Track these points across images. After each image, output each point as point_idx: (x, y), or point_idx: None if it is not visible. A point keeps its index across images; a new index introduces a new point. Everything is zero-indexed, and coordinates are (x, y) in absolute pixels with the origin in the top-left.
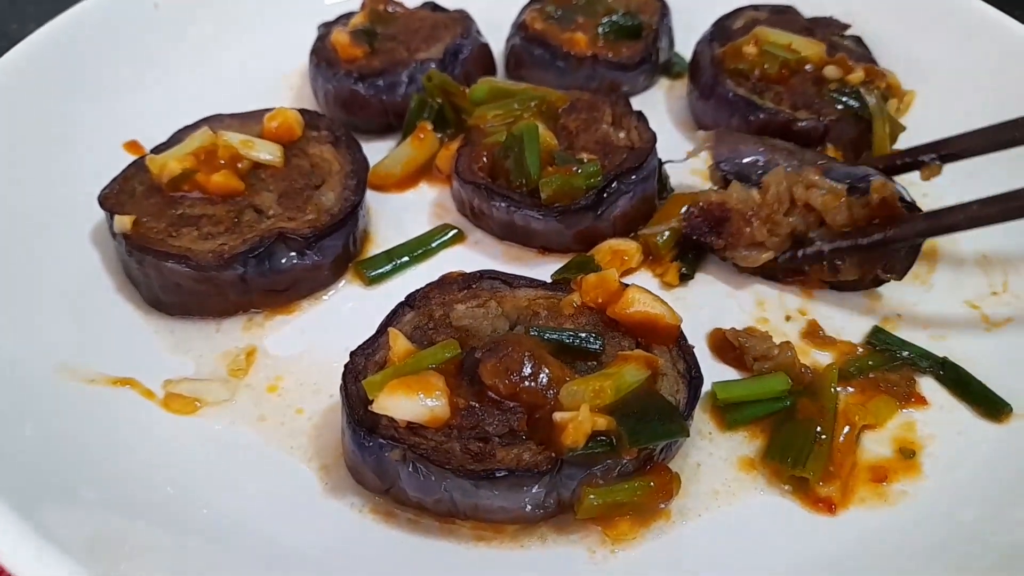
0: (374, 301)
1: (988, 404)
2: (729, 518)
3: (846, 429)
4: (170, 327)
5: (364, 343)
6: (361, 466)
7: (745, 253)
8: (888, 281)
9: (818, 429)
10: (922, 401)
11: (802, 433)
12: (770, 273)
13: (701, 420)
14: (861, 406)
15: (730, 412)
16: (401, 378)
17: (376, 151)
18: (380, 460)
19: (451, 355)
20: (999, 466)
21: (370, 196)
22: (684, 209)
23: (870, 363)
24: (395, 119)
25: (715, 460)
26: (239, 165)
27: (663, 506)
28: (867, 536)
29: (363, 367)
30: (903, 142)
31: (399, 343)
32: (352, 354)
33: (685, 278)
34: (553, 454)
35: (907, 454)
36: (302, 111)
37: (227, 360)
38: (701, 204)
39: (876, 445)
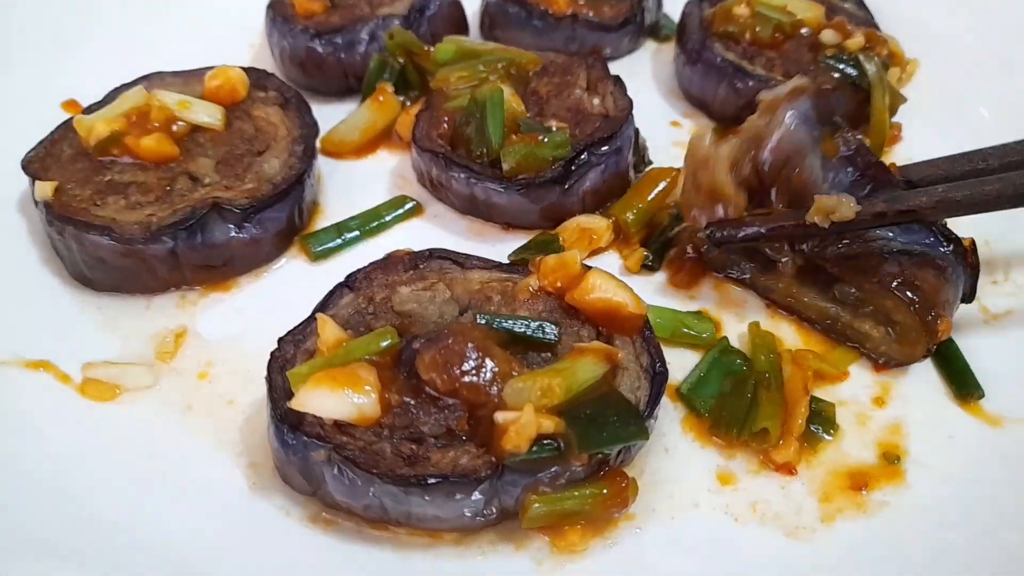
0: (319, 279)
1: (962, 384)
2: (692, 527)
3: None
4: (97, 304)
5: (294, 328)
6: (286, 466)
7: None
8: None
9: (752, 383)
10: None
11: (738, 394)
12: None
13: (665, 418)
14: (813, 354)
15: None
16: (327, 370)
17: (334, 115)
18: (305, 460)
19: (387, 345)
20: (990, 476)
21: (323, 164)
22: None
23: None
24: (355, 81)
25: (678, 463)
26: (174, 128)
27: (617, 514)
28: (843, 550)
29: (292, 356)
30: (903, 114)
31: (328, 330)
32: (280, 340)
33: (650, 268)
34: (494, 458)
35: (891, 459)
36: (249, 70)
37: (156, 342)
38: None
39: (859, 449)
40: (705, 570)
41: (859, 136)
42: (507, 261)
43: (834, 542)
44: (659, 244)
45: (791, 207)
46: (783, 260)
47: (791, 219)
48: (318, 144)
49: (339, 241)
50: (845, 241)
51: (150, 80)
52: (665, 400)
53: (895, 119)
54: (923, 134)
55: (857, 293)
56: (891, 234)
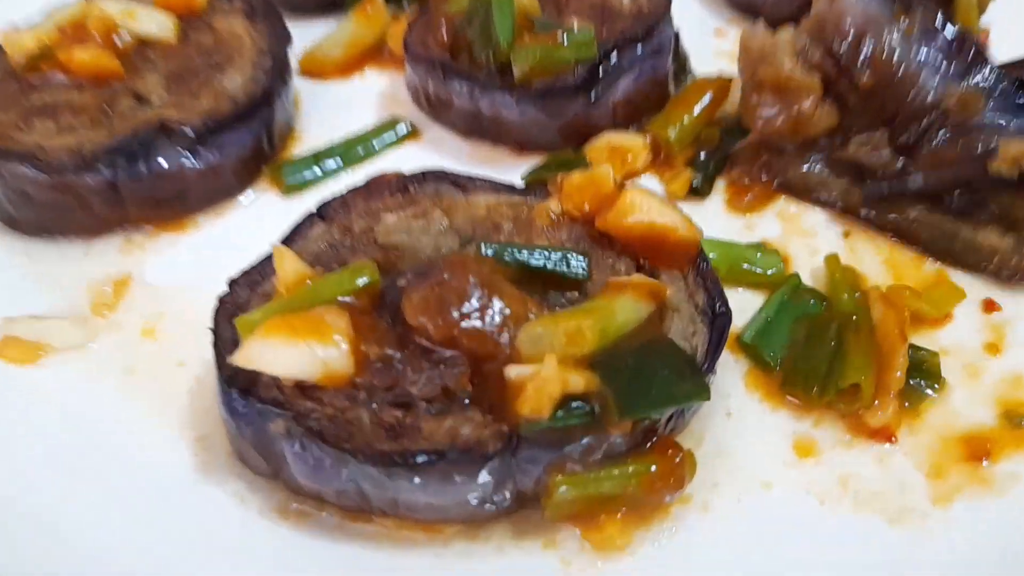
0: (293, 215)
1: None
2: (765, 511)
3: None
4: (25, 249)
5: (248, 268)
6: (239, 441)
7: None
8: None
9: (835, 328)
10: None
11: (817, 342)
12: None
13: (725, 374)
14: (910, 291)
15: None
16: (284, 316)
17: (316, 31)
18: (262, 433)
19: (364, 282)
20: None
21: (302, 86)
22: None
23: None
24: None
25: (745, 430)
26: (118, 42)
27: (670, 498)
28: (965, 538)
29: (246, 301)
30: (990, 15)
31: (287, 265)
32: (231, 283)
33: (698, 193)
34: (506, 427)
35: (1015, 420)
36: None
37: (92, 292)
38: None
39: (973, 408)
40: (784, 567)
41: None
42: (521, 183)
43: (953, 529)
44: (710, 164)
45: (878, 91)
46: (883, 166)
47: (969, 168)
48: (295, 62)
49: (317, 171)
50: (944, 131)
51: None
52: (724, 352)
53: (983, 19)
54: (1013, 40)
55: (969, 195)
56: (1001, 120)
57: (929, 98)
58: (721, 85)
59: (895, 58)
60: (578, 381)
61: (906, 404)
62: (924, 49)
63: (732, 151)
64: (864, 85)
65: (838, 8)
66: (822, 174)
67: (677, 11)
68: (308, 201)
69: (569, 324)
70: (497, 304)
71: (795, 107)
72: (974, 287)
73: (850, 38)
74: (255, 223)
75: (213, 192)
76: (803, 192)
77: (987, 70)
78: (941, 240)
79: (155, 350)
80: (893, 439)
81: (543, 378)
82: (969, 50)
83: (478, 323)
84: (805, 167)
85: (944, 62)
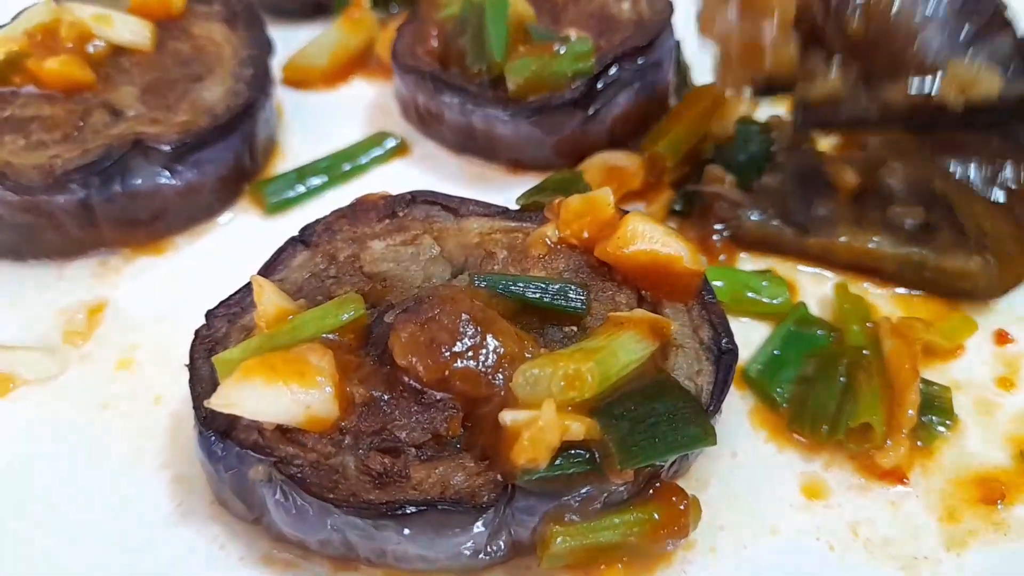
0: (276, 236)
1: None
2: (772, 558)
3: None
4: None
5: (227, 298)
6: (219, 485)
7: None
8: None
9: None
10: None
11: (826, 378)
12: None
13: (729, 411)
14: (921, 322)
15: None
16: (265, 356)
17: (301, 38)
18: (241, 478)
19: (349, 317)
20: None
21: (285, 96)
22: None
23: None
24: None
25: (750, 471)
26: (91, 50)
27: (672, 546)
28: None
29: (225, 335)
30: None
31: (267, 299)
32: (209, 315)
33: (680, 214)
34: (500, 476)
35: None
36: None
37: (64, 319)
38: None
39: (986, 447)
40: None
41: None
42: (515, 206)
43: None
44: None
45: (868, 41)
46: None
47: (911, 99)
48: (278, 71)
49: (302, 188)
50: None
51: None
52: None
53: None
54: None
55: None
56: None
57: (927, 61)
58: (717, 95)
59: (895, 7)
60: (578, 428)
61: (918, 443)
62: (932, 1)
63: (699, 186)
64: (854, 31)
65: None
66: (773, 225)
67: (679, 19)
68: (292, 220)
69: (568, 366)
70: (491, 343)
71: (761, 27)
72: (986, 318)
73: None
74: (236, 245)
75: (192, 212)
76: (758, 244)
77: (1005, 40)
78: (909, 271)
79: (131, 384)
80: (905, 480)
81: (541, 426)
82: (988, 10)
83: (471, 364)
84: (756, 217)
85: (954, 21)
